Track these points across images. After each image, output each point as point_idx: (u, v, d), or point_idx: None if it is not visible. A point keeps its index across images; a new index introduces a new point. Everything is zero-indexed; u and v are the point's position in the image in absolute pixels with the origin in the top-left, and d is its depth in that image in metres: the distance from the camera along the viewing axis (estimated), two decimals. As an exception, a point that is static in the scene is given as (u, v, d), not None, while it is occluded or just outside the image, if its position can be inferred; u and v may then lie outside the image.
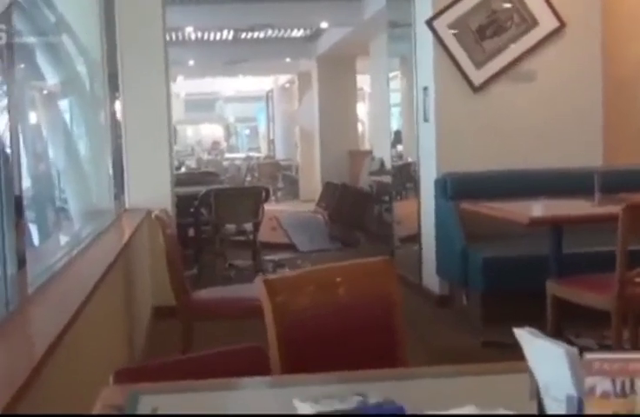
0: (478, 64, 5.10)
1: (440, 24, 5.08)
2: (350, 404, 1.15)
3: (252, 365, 1.64)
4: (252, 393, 1.45)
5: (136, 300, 4.17)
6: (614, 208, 3.22)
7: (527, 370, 1.04)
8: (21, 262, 1.97)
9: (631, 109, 5.45)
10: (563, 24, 5.11)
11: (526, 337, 1.02)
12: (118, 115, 5.05)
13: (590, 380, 0.93)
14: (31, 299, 2.08)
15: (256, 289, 1.83)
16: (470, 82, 5.10)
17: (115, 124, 5.03)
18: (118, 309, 3.44)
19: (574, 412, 0.94)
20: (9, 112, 2.06)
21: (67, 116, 4.64)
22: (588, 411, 0.93)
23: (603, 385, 0.93)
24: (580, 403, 0.94)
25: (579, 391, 0.94)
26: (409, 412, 1.14)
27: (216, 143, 22.18)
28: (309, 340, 1.82)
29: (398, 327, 1.95)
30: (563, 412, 0.95)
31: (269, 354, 1.73)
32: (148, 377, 1.50)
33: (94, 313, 2.37)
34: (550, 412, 0.98)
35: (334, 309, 1.90)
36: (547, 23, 5.12)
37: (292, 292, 1.85)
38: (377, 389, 1.24)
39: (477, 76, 5.10)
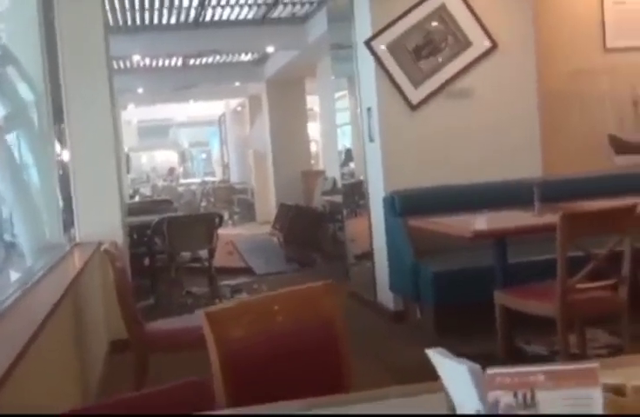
0: (416, 83, 5.22)
1: (378, 45, 5.20)
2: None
3: (198, 399, 1.64)
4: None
5: (90, 334, 4.12)
6: (552, 218, 3.32)
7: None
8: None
9: (567, 121, 5.63)
10: (495, 45, 5.27)
11: (436, 358, 1.05)
12: (65, 146, 5.03)
13: (492, 395, 0.95)
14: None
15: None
16: (407, 101, 5.21)
17: (62, 156, 5.01)
18: (70, 345, 3.41)
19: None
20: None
21: (14, 149, 4.62)
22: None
23: (505, 398, 0.95)
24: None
25: (486, 406, 0.96)
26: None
27: (171, 170, 22.11)
28: (253, 369, 1.81)
29: (343, 350, 1.95)
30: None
31: (213, 387, 1.71)
32: None
33: (43, 350, 2.34)
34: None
35: (277, 337, 1.90)
36: (480, 43, 5.28)
37: (234, 322, 1.84)
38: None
39: (415, 95, 5.23)
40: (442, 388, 1.07)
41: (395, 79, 5.18)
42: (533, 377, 0.96)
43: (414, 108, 5.21)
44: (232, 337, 1.80)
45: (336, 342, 1.95)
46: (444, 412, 1.08)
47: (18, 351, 1.93)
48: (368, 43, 5.20)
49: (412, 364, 4.32)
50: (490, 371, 0.95)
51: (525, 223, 3.78)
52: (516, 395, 0.96)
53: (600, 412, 0.96)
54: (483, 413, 0.97)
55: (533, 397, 0.95)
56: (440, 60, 5.24)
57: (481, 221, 4.04)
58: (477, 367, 0.97)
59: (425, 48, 5.24)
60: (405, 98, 5.20)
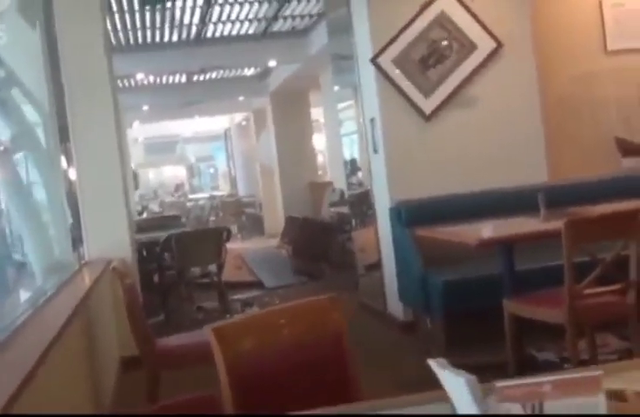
0: (426, 93, 5.23)
1: (384, 61, 5.21)
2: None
3: (207, 414, 1.65)
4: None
5: (102, 351, 4.14)
6: (558, 224, 3.30)
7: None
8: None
9: (571, 125, 5.63)
10: (500, 44, 5.28)
11: (437, 368, 1.06)
12: (72, 166, 5.06)
13: (502, 407, 0.96)
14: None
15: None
16: (420, 112, 5.22)
17: (69, 175, 5.05)
18: (82, 362, 3.42)
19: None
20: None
21: (22, 169, 4.66)
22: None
23: (514, 410, 0.96)
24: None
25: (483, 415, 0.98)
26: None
27: (178, 186, 22.18)
28: (261, 384, 1.83)
29: (351, 363, 1.96)
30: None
31: (221, 401, 1.73)
32: None
33: (55, 367, 2.35)
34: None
35: (284, 351, 1.91)
36: (485, 45, 5.29)
37: (240, 337, 1.85)
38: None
39: (427, 105, 5.24)
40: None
41: (405, 91, 5.19)
42: (540, 388, 0.97)
43: (427, 118, 5.23)
44: (239, 352, 1.81)
45: (344, 355, 1.96)
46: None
47: (29, 369, 1.95)
48: (374, 61, 5.20)
49: (423, 374, 4.30)
50: (499, 384, 0.96)
51: (531, 230, 3.78)
52: (524, 407, 0.97)
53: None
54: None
55: (541, 408, 0.96)
56: (447, 67, 5.25)
57: (487, 229, 4.04)
58: (473, 377, 0.99)
59: (431, 57, 5.26)
60: (417, 109, 5.21)
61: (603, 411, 0.98)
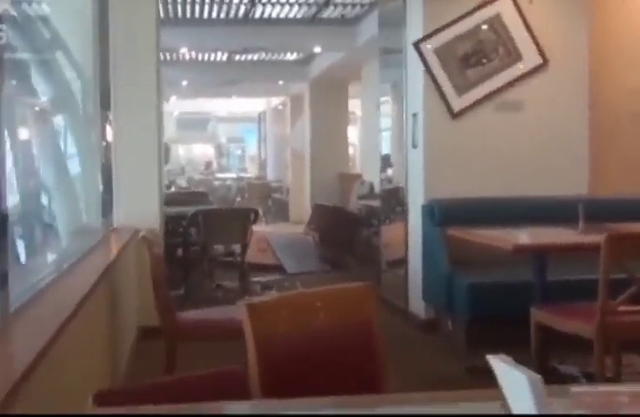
0: (460, 91, 5.16)
1: (426, 47, 5.15)
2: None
3: (232, 388, 1.63)
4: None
5: (122, 319, 4.15)
6: (597, 238, 3.25)
7: (501, 397, 1.04)
8: (3, 282, 1.94)
9: (617, 139, 5.52)
10: (545, 61, 5.20)
11: (497, 364, 1.03)
12: (109, 134, 5.06)
13: (572, 413, 0.94)
14: (13, 318, 2.07)
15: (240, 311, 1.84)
16: (449, 108, 5.15)
17: (106, 142, 5.04)
18: (102, 329, 3.43)
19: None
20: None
21: (59, 133, 4.65)
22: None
23: None
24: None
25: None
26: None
27: (209, 164, 22.21)
28: (289, 364, 1.82)
29: (379, 351, 1.95)
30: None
31: (248, 378, 1.72)
32: (127, 400, 1.50)
33: (76, 332, 2.36)
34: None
35: (315, 334, 1.91)
36: (531, 58, 5.21)
37: (274, 316, 1.85)
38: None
39: (458, 103, 5.17)
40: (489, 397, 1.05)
41: (439, 84, 5.12)
42: (617, 397, 0.94)
43: (455, 116, 5.15)
44: (271, 330, 1.82)
45: (375, 343, 1.96)
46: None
47: (53, 332, 1.96)
48: (416, 45, 5.15)
49: (442, 375, 4.29)
50: (575, 389, 0.92)
51: (568, 241, 3.73)
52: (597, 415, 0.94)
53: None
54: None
55: None
56: (488, 70, 5.17)
57: (523, 236, 3.98)
58: (537, 376, 0.95)
59: (474, 56, 5.18)
60: (447, 105, 5.14)
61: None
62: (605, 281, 3.21)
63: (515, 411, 1.02)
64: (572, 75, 5.26)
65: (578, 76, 5.27)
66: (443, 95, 5.13)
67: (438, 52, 5.14)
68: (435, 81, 5.12)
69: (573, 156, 5.24)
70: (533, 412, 0.95)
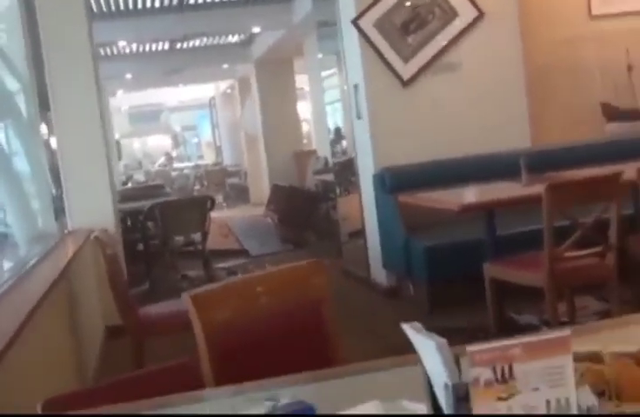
0: (405, 58, 5.21)
1: (365, 23, 5.17)
2: (259, 410, 1.16)
3: (185, 381, 1.64)
4: (182, 409, 1.39)
5: (86, 320, 4.15)
6: (540, 188, 3.32)
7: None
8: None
9: (556, 91, 5.62)
10: (481, 14, 5.25)
11: (410, 332, 1.06)
12: (53, 134, 5.02)
13: (474, 371, 0.96)
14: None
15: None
16: (399, 77, 5.20)
17: (49, 143, 5.00)
18: (65, 330, 3.43)
19: (451, 399, 0.99)
20: None
21: (2, 138, 4.61)
22: (474, 400, 0.97)
23: (485, 374, 0.96)
24: (455, 390, 0.99)
25: (453, 379, 0.97)
26: (320, 411, 1.15)
27: (169, 156, 21.96)
28: (239, 352, 1.80)
29: (331, 330, 1.93)
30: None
31: (200, 368, 1.72)
32: (78, 404, 1.49)
33: (34, 336, 2.35)
34: (440, 399, 1.03)
35: (262, 318, 1.88)
36: (467, 13, 5.25)
37: (219, 304, 1.83)
38: (294, 392, 1.23)
39: (406, 71, 5.21)
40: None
41: (384, 56, 5.16)
42: (510, 351, 0.97)
43: (405, 83, 5.20)
44: (218, 319, 1.79)
45: (324, 322, 1.93)
46: (421, 383, 1.09)
47: (10, 336, 1.95)
48: (355, 22, 5.17)
49: (406, 339, 4.36)
50: (470, 348, 0.96)
51: (513, 195, 3.80)
52: (494, 370, 0.97)
53: (572, 380, 0.97)
54: (450, 385, 0.99)
55: (511, 371, 0.96)
56: (428, 32, 5.22)
57: (469, 195, 4.06)
58: (444, 341, 0.99)
59: (413, 22, 5.22)
60: (396, 74, 5.18)
61: (570, 372, 0.98)
62: (550, 230, 3.29)
63: (430, 374, 1.05)
64: (505, 29, 5.30)
65: (511, 31, 5.31)
66: (389, 65, 5.17)
67: (377, 25, 5.16)
68: (379, 52, 5.15)
69: (513, 111, 5.30)
70: (443, 374, 0.99)
